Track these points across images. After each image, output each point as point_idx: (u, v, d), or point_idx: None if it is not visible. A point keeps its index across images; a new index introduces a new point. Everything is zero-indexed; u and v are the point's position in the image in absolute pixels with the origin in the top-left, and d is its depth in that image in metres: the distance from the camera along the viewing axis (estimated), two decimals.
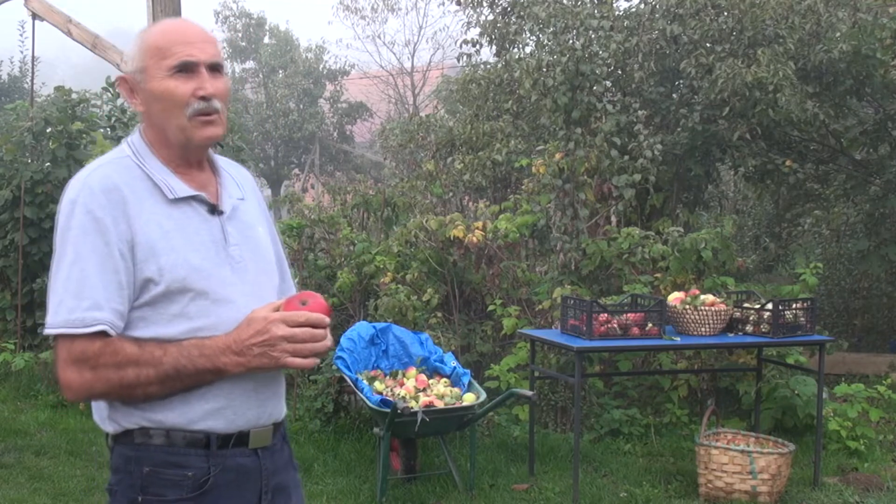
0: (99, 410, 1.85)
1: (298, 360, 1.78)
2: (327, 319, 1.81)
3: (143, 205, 1.78)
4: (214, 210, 1.88)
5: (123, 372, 1.72)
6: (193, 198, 1.85)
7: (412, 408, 4.68)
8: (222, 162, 2.01)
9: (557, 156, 6.44)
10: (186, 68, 1.81)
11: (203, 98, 1.81)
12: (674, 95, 7.75)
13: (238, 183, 2.00)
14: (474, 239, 6.49)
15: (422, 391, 5.02)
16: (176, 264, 1.77)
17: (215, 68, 1.85)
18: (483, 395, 5.03)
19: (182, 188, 1.84)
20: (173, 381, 1.75)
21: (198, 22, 1.91)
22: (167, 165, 1.85)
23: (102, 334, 1.72)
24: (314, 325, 1.78)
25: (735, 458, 4.86)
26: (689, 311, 5.11)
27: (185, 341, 1.75)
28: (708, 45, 7.20)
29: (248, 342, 1.75)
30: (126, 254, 1.75)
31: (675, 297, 5.25)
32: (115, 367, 1.72)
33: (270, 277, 1.97)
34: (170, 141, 1.85)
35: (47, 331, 1.74)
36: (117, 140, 8.47)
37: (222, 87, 1.85)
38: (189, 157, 1.88)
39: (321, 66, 22.26)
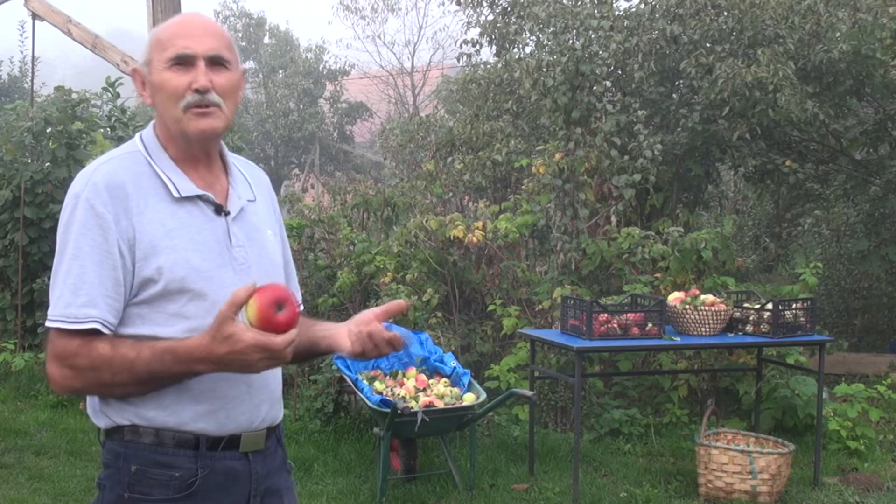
0: (92, 403, 1.85)
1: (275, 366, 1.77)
2: (295, 331, 1.71)
3: (147, 202, 1.78)
4: (220, 210, 1.86)
5: (98, 373, 1.73)
6: (199, 197, 1.84)
7: (412, 408, 4.68)
8: (237, 161, 1.99)
9: (557, 156, 6.44)
10: (183, 61, 1.79)
11: (197, 91, 1.79)
12: (674, 95, 7.76)
13: (251, 184, 1.98)
14: (474, 239, 6.49)
15: (422, 391, 5.02)
16: (176, 264, 1.76)
17: (217, 61, 1.82)
18: (483, 395, 5.03)
19: (188, 187, 1.83)
20: (149, 384, 1.75)
21: (206, 16, 1.88)
22: (176, 162, 1.84)
23: (92, 332, 1.72)
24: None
25: (735, 458, 4.86)
26: (689, 311, 5.11)
27: (159, 344, 1.72)
28: (708, 45, 7.21)
29: (224, 358, 1.69)
30: (125, 251, 1.75)
31: (675, 297, 5.25)
32: (90, 369, 1.73)
33: (274, 281, 1.94)
34: (173, 134, 1.84)
35: (47, 322, 1.76)
36: (117, 140, 8.46)
37: (223, 80, 1.82)
38: (194, 151, 1.86)
39: (321, 66, 22.21)
